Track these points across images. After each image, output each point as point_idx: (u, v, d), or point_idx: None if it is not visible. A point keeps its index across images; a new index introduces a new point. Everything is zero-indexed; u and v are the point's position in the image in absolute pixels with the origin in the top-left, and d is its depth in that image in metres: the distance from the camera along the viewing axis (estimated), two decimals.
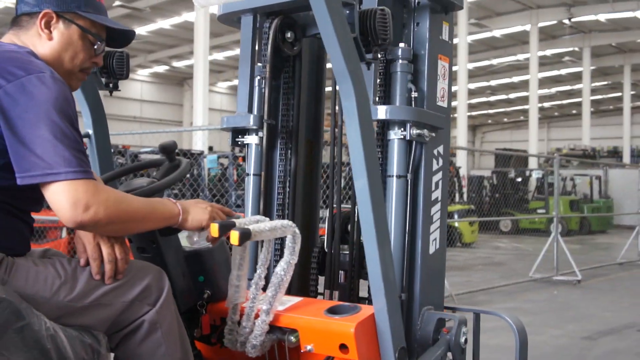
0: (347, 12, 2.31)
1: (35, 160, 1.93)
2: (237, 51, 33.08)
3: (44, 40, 2.25)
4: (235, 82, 40.04)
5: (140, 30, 30.66)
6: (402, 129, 2.78)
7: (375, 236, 2.29)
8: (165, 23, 29.58)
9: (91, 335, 2.13)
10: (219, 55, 34.31)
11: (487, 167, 30.21)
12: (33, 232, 2.27)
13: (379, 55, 2.62)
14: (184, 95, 41.31)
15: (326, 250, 3.09)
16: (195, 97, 19.26)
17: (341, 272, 3.04)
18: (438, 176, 2.96)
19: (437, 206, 2.96)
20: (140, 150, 15.81)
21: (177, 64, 37.14)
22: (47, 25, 2.25)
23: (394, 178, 2.81)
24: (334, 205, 3.08)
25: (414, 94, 2.85)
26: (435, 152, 2.93)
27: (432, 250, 2.92)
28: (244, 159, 14.84)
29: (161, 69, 38.78)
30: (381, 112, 2.75)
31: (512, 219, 24.78)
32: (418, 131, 2.78)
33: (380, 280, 2.30)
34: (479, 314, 3.09)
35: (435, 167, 2.94)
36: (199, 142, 17.28)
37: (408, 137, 2.78)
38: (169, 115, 40.81)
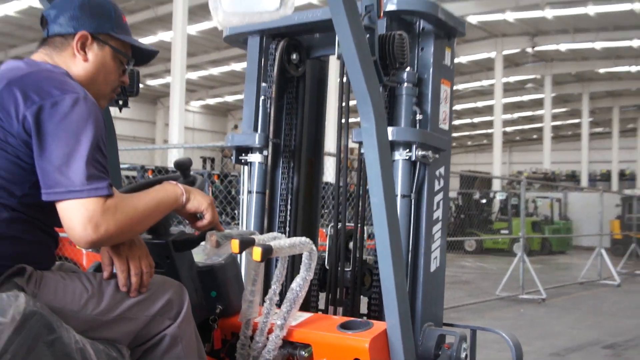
0: (367, 36, 2.32)
1: (59, 178, 1.92)
2: (211, 71, 33.17)
3: (79, 61, 2.25)
4: (208, 101, 40.13)
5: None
6: (408, 150, 2.79)
7: (391, 253, 2.29)
8: (141, 41, 29.48)
9: (116, 349, 2.11)
10: (193, 75, 34.24)
11: (452, 188, 30.35)
12: (58, 247, 2.25)
13: (393, 79, 2.63)
14: (157, 113, 41.15)
15: (327, 267, 3.09)
16: (171, 115, 19.15)
17: (343, 289, 3.04)
18: (439, 196, 2.98)
19: (439, 225, 2.98)
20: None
21: (151, 82, 36.98)
22: (83, 47, 2.25)
23: (399, 197, 2.81)
24: (337, 223, 3.08)
25: (419, 117, 2.87)
26: (437, 173, 2.96)
27: (433, 268, 2.93)
28: (218, 177, 14.91)
29: None
30: (388, 133, 2.76)
31: (476, 239, 24.92)
32: (423, 152, 2.80)
33: (394, 297, 2.30)
34: (475, 331, 3.10)
35: (437, 187, 2.96)
36: (173, 160, 17.16)
37: (413, 158, 2.79)
38: (143, 133, 40.55)
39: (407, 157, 2.80)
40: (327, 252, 3.11)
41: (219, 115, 43.93)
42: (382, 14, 2.41)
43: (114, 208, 1.96)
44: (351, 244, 3.05)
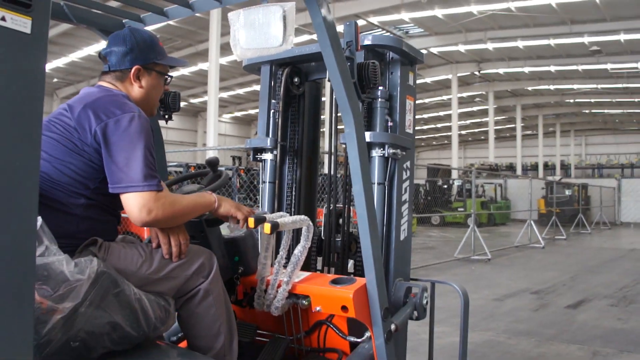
0: (348, 64, 2.32)
1: (122, 176, 1.98)
2: (238, 91, 33.14)
3: (136, 87, 2.29)
4: (237, 114, 40.12)
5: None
6: (382, 149, 2.79)
7: (368, 226, 2.29)
8: (185, 71, 29.46)
9: (164, 299, 2.13)
10: (225, 94, 34.18)
11: (421, 177, 30.43)
12: (120, 224, 2.26)
13: (367, 96, 2.63)
14: (198, 124, 41.13)
15: (323, 238, 3.09)
16: (208, 125, 19.10)
17: (335, 254, 3.04)
18: (407, 183, 2.97)
19: (406, 205, 2.96)
20: (168, 164, 15.68)
21: (193, 100, 36.96)
22: (137, 77, 2.28)
23: (375, 185, 2.80)
24: (330, 204, 3.08)
25: (390, 124, 2.87)
26: (404, 166, 2.94)
27: (402, 237, 2.93)
28: (244, 171, 14.91)
29: (182, 104, 38.56)
30: (367, 136, 2.75)
31: (440, 215, 24.92)
32: (393, 150, 2.79)
33: (371, 259, 2.30)
34: (434, 283, 3.11)
35: (404, 177, 2.95)
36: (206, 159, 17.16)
37: (386, 155, 2.79)
38: (187, 139, 40.56)
39: (382, 154, 2.80)
40: (322, 227, 3.11)
41: (245, 124, 43.90)
42: (359, 47, 2.40)
43: (165, 201, 2.02)
44: (341, 220, 3.05)
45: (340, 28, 2.54)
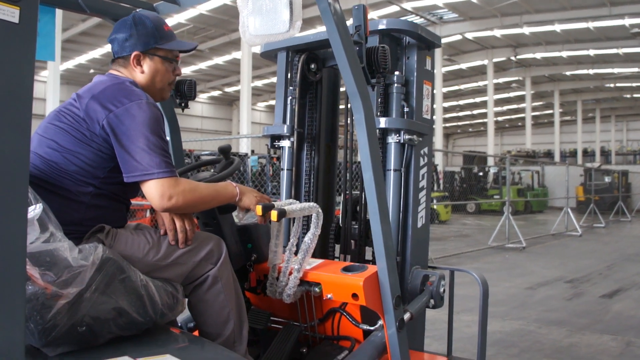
0: (357, 48, 2.28)
1: (136, 164, 1.99)
2: (272, 79, 33.20)
3: (138, 73, 2.28)
4: (271, 102, 40.21)
5: (201, 65, 30.68)
6: (398, 135, 2.75)
7: (379, 214, 2.26)
8: (219, 60, 29.63)
9: (171, 285, 2.14)
10: (259, 83, 34.32)
11: (457, 164, 30.16)
12: (129, 212, 2.28)
13: (380, 80, 2.58)
14: (233, 113, 41.40)
15: (340, 225, 3.07)
16: (242, 114, 19.27)
17: (352, 241, 3.02)
18: (424, 170, 2.93)
19: (423, 192, 2.93)
20: (202, 153, 15.88)
21: (227, 89, 37.21)
22: (138, 62, 2.27)
23: (392, 171, 2.77)
24: (347, 192, 3.06)
25: (406, 109, 2.83)
26: (421, 152, 2.90)
27: (419, 224, 2.89)
28: (277, 159, 15.00)
29: (216, 93, 38.85)
30: (382, 122, 2.73)
31: (475, 203, 24.66)
32: (409, 137, 2.76)
33: (382, 246, 2.27)
34: (454, 272, 3.06)
35: (421, 163, 2.91)
36: (244, 147, 17.28)
37: (402, 141, 2.75)
38: (222, 127, 40.90)
39: (398, 140, 2.76)
40: (340, 214, 3.09)
41: None
42: (368, 31, 2.35)
43: (185, 187, 2.05)
44: (358, 207, 3.03)
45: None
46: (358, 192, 3.06)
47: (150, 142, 2.00)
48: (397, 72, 2.81)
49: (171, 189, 2.00)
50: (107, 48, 25.86)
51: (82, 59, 28.11)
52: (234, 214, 2.44)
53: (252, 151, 18.03)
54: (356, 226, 3.01)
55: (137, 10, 2.76)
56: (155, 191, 1.99)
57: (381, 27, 2.75)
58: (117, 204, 2.17)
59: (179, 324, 2.65)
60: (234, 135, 35.33)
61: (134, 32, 2.26)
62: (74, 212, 2.02)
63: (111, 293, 1.87)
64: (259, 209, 2.21)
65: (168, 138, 3.04)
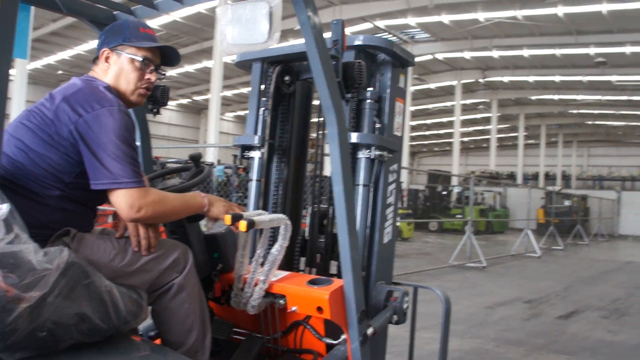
0: (334, 62, 2.30)
1: (105, 172, 1.96)
2: (242, 90, 33.13)
3: (106, 72, 2.25)
4: (239, 112, 40.10)
5: (172, 72, 30.47)
6: (368, 151, 2.77)
7: (347, 227, 2.27)
8: (190, 67, 29.49)
9: (136, 292, 2.12)
10: (229, 93, 34.19)
11: (421, 182, 30.45)
12: (96, 217, 2.24)
13: (355, 95, 2.60)
14: (200, 121, 41.12)
15: (307, 238, 3.07)
16: (210, 123, 19.14)
17: (317, 255, 3.02)
18: (392, 186, 2.95)
19: (391, 208, 2.94)
20: (168, 160, 15.76)
21: (196, 98, 37.00)
22: (107, 60, 2.25)
23: (361, 186, 2.79)
24: (314, 205, 3.06)
25: (378, 125, 2.84)
26: (391, 168, 2.92)
27: (385, 240, 2.91)
28: (243, 170, 14.92)
29: (185, 101, 38.60)
30: (353, 137, 2.74)
31: (438, 221, 24.87)
32: (380, 152, 2.78)
33: (349, 260, 2.27)
34: (417, 288, 3.09)
35: (390, 179, 2.92)
36: (211, 156, 17.17)
37: (372, 157, 2.77)
38: (189, 135, 40.59)
39: (368, 156, 2.78)
40: (307, 227, 3.09)
41: None
42: (345, 46, 2.37)
43: (155, 199, 2.03)
44: (325, 221, 3.04)
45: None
46: (325, 206, 3.07)
47: (120, 150, 1.97)
48: (370, 88, 2.83)
49: (140, 199, 1.97)
50: (78, 50, 25.71)
51: (51, 59, 27.69)
52: (202, 223, 2.42)
53: (219, 161, 17.92)
54: (322, 240, 3.01)
55: (116, 13, 2.75)
56: (124, 201, 1.97)
57: (357, 42, 2.77)
58: (84, 209, 2.14)
59: (140, 332, 2.62)
60: (201, 144, 35.07)
61: (109, 31, 2.27)
62: (40, 215, 1.98)
63: (75, 298, 1.83)
64: (228, 219, 2.19)
65: (138, 143, 3.01)
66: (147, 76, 2.30)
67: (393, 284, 2.97)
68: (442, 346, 2.89)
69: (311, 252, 3.02)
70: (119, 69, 2.25)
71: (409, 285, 3.02)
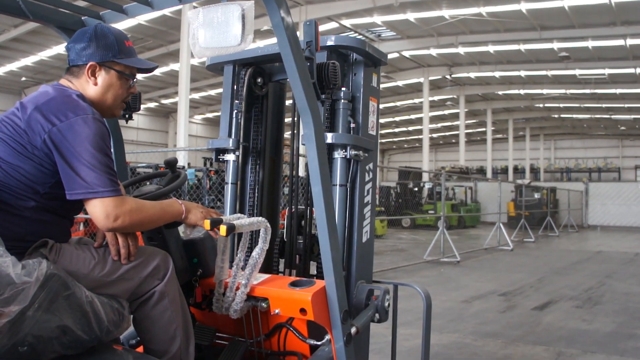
0: (308, 64, 2.29)
1: (80, 182, 1.93)
2: (210, 92, 32.92)
3: (91, 85, 2.21)
4: (208, 115, 39.83)
5: (138, 76, 30.06)
6: (344, 150, 2.77)
7: (327, 228, 2.27)
8: (157, 71, 29.09)
9: (117, 302, 2.09)
10: (196, 95, 33.96)
11: (392, 179, 30.64)
12: (72, 227, 2.21)
13: (329, 96, 2.60)
14: (169, 125, 40.79)
15: (285, 239, 3.06)
16: (179, 126, 18.97)
17: (297, 256, 3.02)
18: (369, 185, 2.96)
19: (368, 207, 2.95)
20: (138, 165, 15.61)
21: (164, 101, 36.66)
22: (93, 74, 2.20)
23: (337, 186, 2.79)
24: (292, 206, 3.06)
25: (352, 125, 2.85)
26: (367, 167, 2.93)
27: (364, 239, 2.91)
28: (215, 172, 14.82)
29: (152, 105, 38.22)
30: (329, 137, 2.74)
31: (410, 218, 25.04)
32: (355, 152, 2.78)
33: (330, 261, 2.28)
34: (397, 286, 3.11)
35: (367, 178, 2.93)
36: (181, 160, 17.06)
37: (348, 156, 2.77)
38: (158, 139, 40.21)
39: (344, 156, 2.78)
40: (285, 228, 3.09)
41: (216, 125, 43.27)
42: (319, 47, 2.37)
43: (132, 208, 1.99)
44: (303, 222, 3.03)
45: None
46: (303, 207, 3.06)
47: (96, 159, 1.94)
48: (344, 88, 2.83)
49: (117, 209, 1.94)
50: (41, 56, 25.27)
51: (14, 66, 27.16)
52: (181, 229, 2.40)
53: (189, 164, 17.80)
54: (301, 241, 3.01)
55: (84, 18, 2.71)
56: (100, 211, 1.93)
57: (329, 43, 2.77)
58: (61, 219, 2.11)
59: (121, 341, 2.59)
60: (170, 147, 34.83)
61: (94, 42, 2.20)
62: (16, 227, 1.95)
63: (55, 310, 1.81)
64: (207, 224, 2.18)
65: (112, 150, 2.98)
66: (130, 90, 2.33)
67: (373, 282, 2.98)
68: (425, 341, 2.91)
69: (290, 254, 3.01)
70: (107, 84, 2.23)
71: (389, 283, 3.04)
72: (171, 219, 2.21)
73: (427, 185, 29.25)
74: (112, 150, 2.98)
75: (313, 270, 3.01)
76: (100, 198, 1.93)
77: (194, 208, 2.26)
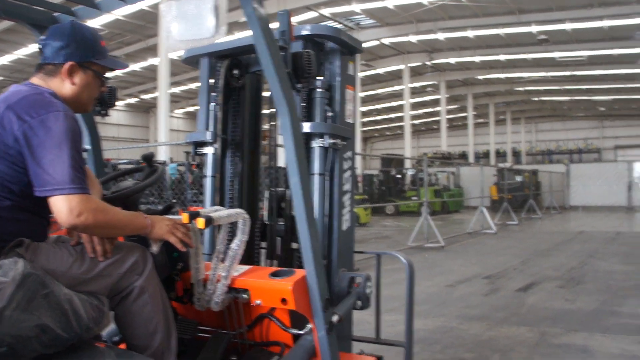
0: (283, 53, 2.29)
1: (47, 178, 1.91)
2: (190, 86, 32.74)
3: (68, 84, 2.19)
4: (189, 109, 39.64)
5: (117, 71, 29.81)
6: (322, 139, 2.78)
7: (306, 218, 2.27)
8: (136, 66, 28.92)
9: (97, 298, 2.08)
10: (177, 89, 33.76)
11: (375, 167, 30.71)
12: (50, 226, 2.19)
13: (305, 85, 2.60)
14: (150, 120, 40.53)
15: (266, 223, 3.06)
16: (159, 121, 18.85)
17: (278, 238, 3.01)
18: (348, 173, 2.97)
19: (348, 195, 2.96)
20: (119, 162, 15.51)
21: (144, 96, 36.40)
22: (71, 74, 2.18)
23: (316, 175, 2.80)
24: (272, 189, 3.05)
25: (329, 114, 2.85)
26: (345, 155, 2.94)
27: (344, 227, 2.93)
28: (197, 166, 14.76)
29: (132, 100, 37.95)
30: (306, 127, 2.75)
31: (394, 205, 25.12)
32: (333, 141, 2.79)
33: (310, 250, 2.28)
34: (380, 255, 3.23)
35: (345, 167, 2.94)
36: (162, 154, 16.95)
37: (326, 145, 2.78)
38: (139, 135, 39.96)
39: (322, 145, 2.79)
40: (265, 211, 3.09)
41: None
42: (293, 36, 2.37)
43: (97, 207, 1.97)
44: (283, 204, 3.03)
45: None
46: (282, 189, 3.07)
47: (65, 155, 1.92)
48: (320, 77, 2.83)
49: (81, 205, 1.91)
50: (18, 54, 24.95)
51: None
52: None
53: (171, 159, 17.72)
54: (282, 222, 3.02)
55: (56, 14, 2.68)
56: (63, 205, 1.90)
57: (305, 32, 2.77)
58: (37, 218, 2.09)
59: (104, 338, 2.58)
60: (151, 143, 34.60)
61: (72, 41, 2.18)
62: None
63: (34, 309, 1.80)
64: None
65: (88, 147, 2.96)
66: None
67: (355, 252, 3.03)
68: (408, 312, 2.98)
69: (271, 236, 3.01)
70: (85, 84, 2.22)
71: (371, 253, 3.10)
72: (135, 231, 2.17)
73: (410, 172, 29.34)
74: (89, 147, 2.97)
75: (295, 260, 3.01)
76: (66, 195, 1.90)
77: (159, 221, 2.22)
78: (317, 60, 2.66)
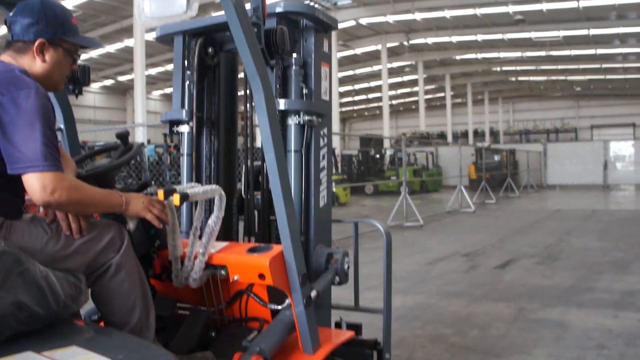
0: (256, 30, 2.28)
1: (19, 156, 1.90)
2: (166, 67, 32.43)
3: (38, 62, 2.16)
4: (166, 90, 39.30)
5: (92, 54, 29.59)
6: (297, 116, 2.78)
7: (282, 194, 2.29)
8: (111, 48, 28.61)
9: (74, 276, 2.08)
10: (153, 71, 33.46)
11: (354, 148, 30.74)
12: (24, 204, 2.17)
13: (279, 62, 2.59)
14: (127, 102, 40.17)
15: (244, 197, 3.07)
16: (136, 103, 18.69)
17: (255, 212, 3.02)
18: (324, 150, 2.97)
19: (324, 172, 2.97)
20: (96, 144, 15.39)
21: (120, 78, 36.08)
22: (41, 51, 2.16)
23: (292, 152, 2.80)
24: (248, 163, 3.05)
25: (305, 91, 2.85)
26: (321, 132, 2.94)
27: (322, 204, 2.94)
28: (174, 147, 14.68)
29: (109, 82, 37.56)
30: (281, 104, 2.74)
31: (373, 184, 25.21)
32: (308, 118, 2.79)
33: (286, 227, 2.30)
34: (357, 224, 3.29)
35: (321, 144, 2.95)
36: (140, 136, 16.84)
37: (302, 122, 2.78)
38: (116, 117, 39.59)
39: (297, 122, 2.79)
40: (242, 184, 3.09)
41: None
42: (265, 13, 2.36)
43: (70, 184, 1.96)
44: (260, 177, 3.04)
45: None
46: (259, 162, 3.07)
47: (38, 132, 1.91)
48: (295, 55, 2.83)
49: (54, 182, 1.91)
50: None
51: None
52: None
53: (149, 141, 17.60)
54: (259, 196, 3.02)
55: None
56: (37, 183, 1.89)
57: (279, 9, 2.76)
58: (11, 197, 2.07)
59: (83, 317, 2.58)
60: (129, 124, 34.31)
61: (42, 18, 2.14)
62: None
63: (9, 287, 1.80)
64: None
65: (62, 126, 2.94)
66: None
67: (333, 221, 3.06)
68: (386, 279, 3.03)
69: (248, 211, 3.02)
70: (55, 62, 2.19)
71: (349, 222, 3.22)
72: (109, 209, 2.16)
73: (389, 152, 29.44)
74: (62, 126, 2.95)
75: (273, 234, 3.02)
76: (39, 172, 1.89)
77: (135, 199, 2.21)
78: (291, 37, 2.65)
